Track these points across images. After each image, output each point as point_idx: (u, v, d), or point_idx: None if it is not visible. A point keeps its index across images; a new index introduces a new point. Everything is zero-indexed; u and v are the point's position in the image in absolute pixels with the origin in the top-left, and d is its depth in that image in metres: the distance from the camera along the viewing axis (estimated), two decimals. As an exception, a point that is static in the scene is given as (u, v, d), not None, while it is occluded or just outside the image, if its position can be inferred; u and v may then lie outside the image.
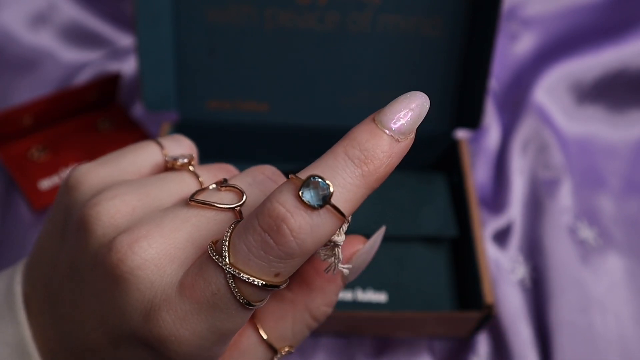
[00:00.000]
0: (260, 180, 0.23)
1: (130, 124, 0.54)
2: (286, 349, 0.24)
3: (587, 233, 0.49)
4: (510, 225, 0.49)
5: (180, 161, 0.24)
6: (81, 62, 0.59)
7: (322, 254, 0.22)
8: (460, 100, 0.47)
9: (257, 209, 0.19)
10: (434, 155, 0.50)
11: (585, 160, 0.54)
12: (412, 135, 0.20)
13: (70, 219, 0.22)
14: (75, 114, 0.53)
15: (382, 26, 0.45)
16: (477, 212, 0.43)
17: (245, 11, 0.45)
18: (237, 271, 0.19)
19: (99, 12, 0.61)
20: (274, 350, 0.24)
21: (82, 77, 0.56)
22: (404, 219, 0.45)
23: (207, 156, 0.51)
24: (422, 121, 0.20)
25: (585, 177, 0.52)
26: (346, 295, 0.42)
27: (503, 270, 0.46)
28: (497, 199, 0.51)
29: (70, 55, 0.59)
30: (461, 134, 0.52)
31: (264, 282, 0.19)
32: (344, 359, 0.43)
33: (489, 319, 0.39)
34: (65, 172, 0.49)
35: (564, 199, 0.50)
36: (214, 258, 0.19)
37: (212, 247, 0.19)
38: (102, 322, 0.21)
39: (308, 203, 0.18)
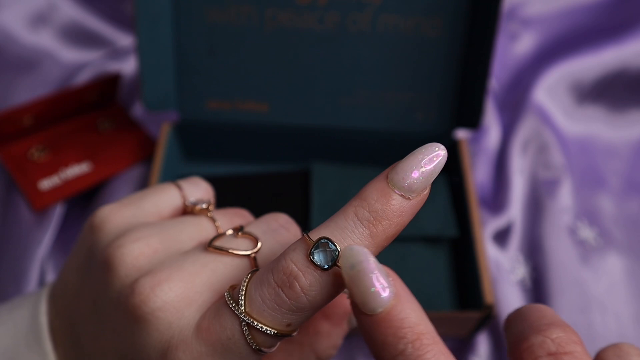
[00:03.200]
0: (274, 228, 0.24)
1: (130, 124, 0.54)
2: None
3: (587, 233, 0.49)
4: (510, 225, 0.49)
5: (199, 206, 0.25)
6: (81, 62, 0.59)
7: (346, 292, 0.23)
8: (460, 100, 0.47)
9: (272, 264, 0.20)
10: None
11: (585, 160, 0.54)
12: (427, 191, 0.20)
13: (94, 258, 0.24)
14: (75, 114, 0.53)
15: (382, 26, 0.45)
16: (477, 212, 0.43)
17: (245, 11, 0.45)
18: (251, 320, 0.20)
19: (99, 12, 0.61)
20: None
21: (82, 77, 0.56)
22: (404, 219, 0.45)
23: (207, 156, 0.51)
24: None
25: (585, 177, 0.52)
26: (346, 295, 0.42)
27: (503, 270, 0.46)
28: (497, 199, 0.51)
29: (70, 55, 0.59)
30: (461, 134, 0.52)
31: (276, 332, 0.20)
32: (344, 359, 0.43)
33: (489, 319, 0.39)
34: (65, 172, 0.49)
35: (564, 199, 0.50)
36: (231, 305, 0.20)
37: (229, 294, 0.21)
38: (121, 358, 0.22)
39: (317, 264, 0.19)
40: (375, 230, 0.19)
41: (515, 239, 0.48)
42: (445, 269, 0.44)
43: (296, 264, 0.19)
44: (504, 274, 0.46)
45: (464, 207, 0.45)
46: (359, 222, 0.19)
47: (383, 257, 0.44)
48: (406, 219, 0.20)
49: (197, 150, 0.51)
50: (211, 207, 0.26)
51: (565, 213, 0.49)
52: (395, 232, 0.20)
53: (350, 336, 0.43)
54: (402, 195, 0.19)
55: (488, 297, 0.39)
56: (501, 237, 0.48)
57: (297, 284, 0.19)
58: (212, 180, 0.44)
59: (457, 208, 0.46)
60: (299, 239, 0.20)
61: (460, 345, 0.43)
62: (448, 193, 0.47)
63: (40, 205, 0.47)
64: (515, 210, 0.49)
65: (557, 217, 0.48)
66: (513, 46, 0.61)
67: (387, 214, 0.19)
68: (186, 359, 0.20)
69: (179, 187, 0.26)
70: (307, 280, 0.19)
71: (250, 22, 0.45)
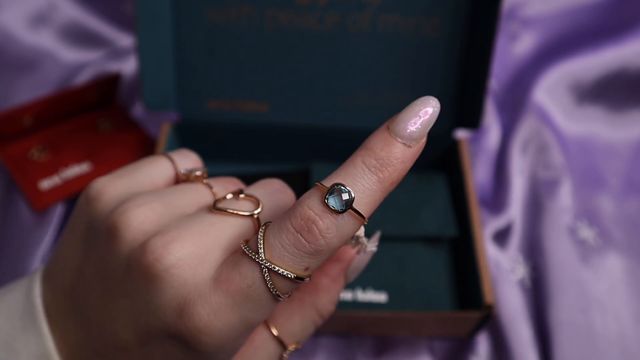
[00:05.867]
0: (271, 191, 0.25)
1: (130, 124, 0.54)
2: (294, 345, 0.26)
3: (587, 233, 0.49)
4: (510, 225, 0.49)
5: (194, 174, 0.26)
6: (81, 62, 0.59)
7: (352, 243, 0.26)
8: (460, 100, 0.47)
9: (288, 213, 0.21)
10: (434, 155, 0.50)
11: (585, 160, 0.54)
12: (424, 140, 0.22)
13: (95, 228, 0.24)
14: (75, 114, 0.53)
15: (382, 26, 0.45)
16: (477, 212, 0.43)
17: (245, 11, 0.45)
18: (272, 265, 0.21)
19: (99, 12, 0.61)
20: (283, 346, 0.26)
21: (82, 77, 0.56)
22: (404, 219, 0.45)
23: (207, 156, 0.51)
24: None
25: (585, 177, 0.52)
26: (346, 295, 0.42)
27: (503, 270, 0.46)
28: (497, 199, 0.51)
29: (70, 55, 0.59)
30: (461, 134, 0.52)
31: (295, 275, 0.21)
32: (344, 359, 0.43)
33: (489, 319, 0.39)
34: (65, 172, 0.49)
35: (564, 199, 0.50)
36: (250, 255, 0.21)
37: (245, 245, 0.22)
38: (132, 321, 0.22)
39: (333, 208, 0.21)
40: (382, 175, 0.21)
41: (515, 239, 0.48)
42: (445, 269, 0.44)
43: (313, 209, 0.21)
44: (503, 274, 0.46)
45: (463, 207, 0.45)
46: (367, 169, 0.21)
47: (383, 257, 0.44)
48: (408, 165, 0.22)
49: (197, 150, 0.50)
50: (205, 175, 0.26)
51: (565, 213, 0.49)
52: (399, 177, 0.21)
53: (350, 336, 0.43)
54: (403, 144, 0.21)
55: (488, 297, 0.39)
56: (501, 237, 0.48)
57: (315, 227, 0.20)
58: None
59: (457, 208, 0.46)
60: (313, 188, 0.21)
61: (460, 345, 0.43)
62: (448, 193, 0.47)
63: (40, 205, 0.47)
64: (515, 210, 0.49)
65: (557, 217, 0.48)
66: (513, 46, 0.61)
67: (392, 160, 0.21)
68: (205, 312, 0.21)
69: (170, 159, 0.27)
70: (324, 224, 0.21)
71: (250, 22, 0.45)
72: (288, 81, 0.47)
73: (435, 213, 0.45)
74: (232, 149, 0.51)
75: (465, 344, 0.43)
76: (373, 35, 0.45)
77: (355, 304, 0.42)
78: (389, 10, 0.44)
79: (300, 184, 0.48)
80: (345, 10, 0.44)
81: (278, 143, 0.50)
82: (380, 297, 0.43)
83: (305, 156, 0.50)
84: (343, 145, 0.50)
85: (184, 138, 0.50)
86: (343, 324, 0.41)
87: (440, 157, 0.50)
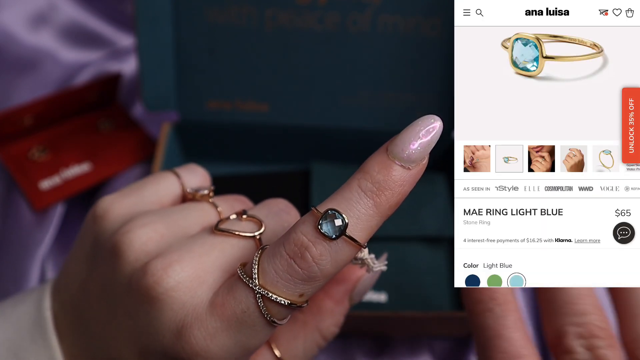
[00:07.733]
0: (275, 211, 0.25)
1: (131, 124, 0.54)
2: None
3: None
4: (510, 225, 0.49)
5: (200, 193, 0.26)
6: (81, 62, 0.59)
7: (358, 263, 0.25)
8: (460, 100, 0.47)
9: (282, 238, 0.21)
10: (434, 155, 0.50)
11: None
12: (425, 161, 0.21)
13: (100, 246, 0.24)
14: (76, 114, 0.53)
15: (382, 26, 0.45)
16: (477, 212, 0.43)
17: (245, 11, 0.45)
18: (266, 291, 0.21)
19: (99, 12, 0.61)
20: None
21: (83, 77, 0.56)
22: (404, 219, 0.45)
23: (207, 156, 0.51)
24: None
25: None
26: (346, 295, 0.42)
27: (503, 270, 0.46)
28: (497, 199, 0.51)
29: (70, 55, 0.59)
30: (461, 134, 0.52)
31: (289, 302, 0.21)
32: (344, 359, 0.43)
33: (488, 319, 0.39)
34: (65, 172, 0.49)
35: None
36: (244, 280, 0.21)
37: (241, 270, 0.21)
38: (133, 340, 0.22)
39: (326, 234, 0.20)
40: (378, 200, 0.20)
41: (515, 239, 0.48)
42: (445, 269, 0.44)
43: (306, 236, 0.20)
44: (504, 274, 0.46)
45: (464, 207, 0.45)
46: (362, 193, 0.20)
47: (383, 257, 0.44)
48: (407, 188, 0.21)
49: (197, 150, 0.51)
50: (211, 194, 0.26)
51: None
52: (398, 201, 0.21)
53: (350, 336, 0.43)
54: (402, 166, 0.20)
55: (488, 297, 0.39)
56: (501, 237, 0.48)
57: (308, 254, 0.20)
58: (212, 180, 0.44)
59: (457, 208, 0.46)
60: (309, 213, 0.21)
61: (460, 345, 0.43)
62: (448, 193, 0.47)
63: (40, 205, 0.47)
64: (515, 210, 0.49)
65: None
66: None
67: (389, 184, 0.20)
68: (201, 336, 0.21)
69: (177, 175, 0.27)
70: (317, 250, 0.20)
71: (250, 22, 0.45)
72: (288, 81, 0.47)
73: (435, 213, 0.45)
74: (232, 149, 0.51)
75: (465, 344, 0.43)
76: (373, 35, 0.45)
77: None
78: (389, 10, 0.44)
79: (300, 184, 0.48)
80: (345, 10, 0.44)
81: (278, 143, 0.50)
82: (380, 297, 0.43)
83: (305, 156, 0.50)
84: (343, 145, 0.50)
85: (184, 138, 0.50)
86: (343, 324, 0.41)
87: (440, 157, 0.50)
